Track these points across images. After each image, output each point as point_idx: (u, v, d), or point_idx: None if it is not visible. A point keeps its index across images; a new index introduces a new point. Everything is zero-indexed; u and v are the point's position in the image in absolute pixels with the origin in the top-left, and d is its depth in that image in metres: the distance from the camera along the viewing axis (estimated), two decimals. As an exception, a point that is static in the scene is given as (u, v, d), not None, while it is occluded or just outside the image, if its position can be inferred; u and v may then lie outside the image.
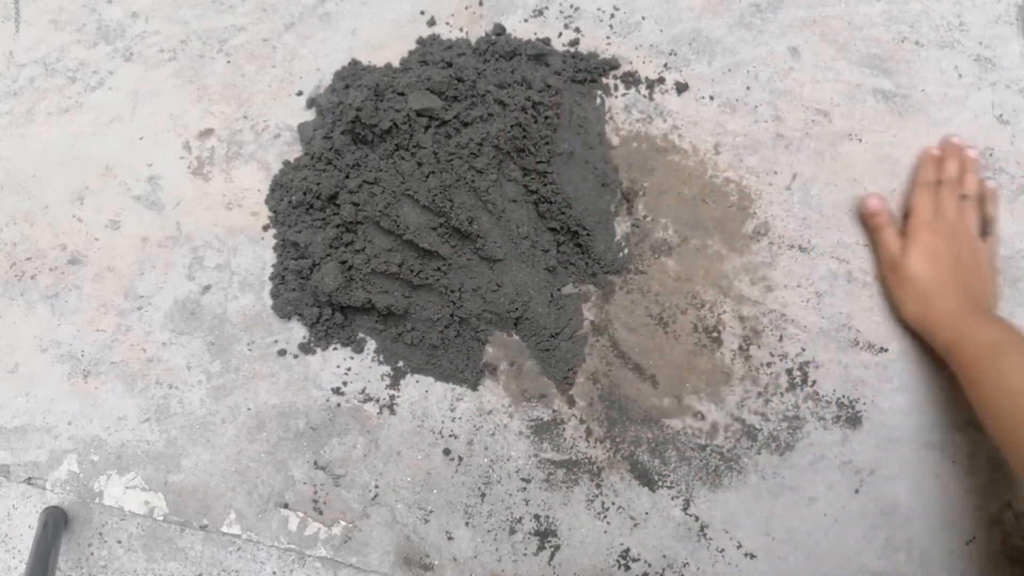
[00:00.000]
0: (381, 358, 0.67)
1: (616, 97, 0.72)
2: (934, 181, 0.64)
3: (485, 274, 0.65)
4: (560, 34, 0.74)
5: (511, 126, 0.62)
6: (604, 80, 0.72)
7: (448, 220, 0.63)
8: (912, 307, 0.61)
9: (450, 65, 0.70)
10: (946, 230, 0.61)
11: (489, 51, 0.71)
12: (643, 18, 0.74)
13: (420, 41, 0.74)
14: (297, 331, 0.68)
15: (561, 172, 0.65)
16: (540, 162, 0.64)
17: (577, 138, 0.68)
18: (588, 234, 0.66)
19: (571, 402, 0.65)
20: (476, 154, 0.63)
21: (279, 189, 0.71)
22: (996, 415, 0.52)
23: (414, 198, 0.63)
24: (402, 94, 0.64)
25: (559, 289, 0.67)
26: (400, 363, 0.67)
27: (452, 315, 0.66)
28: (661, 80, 0.72)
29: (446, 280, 0.65)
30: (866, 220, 0.65)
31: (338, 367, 0.67)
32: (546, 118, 0.64)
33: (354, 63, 0.73)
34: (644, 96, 0.71)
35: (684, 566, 0.61)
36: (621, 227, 0.68)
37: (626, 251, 0.68)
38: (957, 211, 0.62)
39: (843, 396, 0.63)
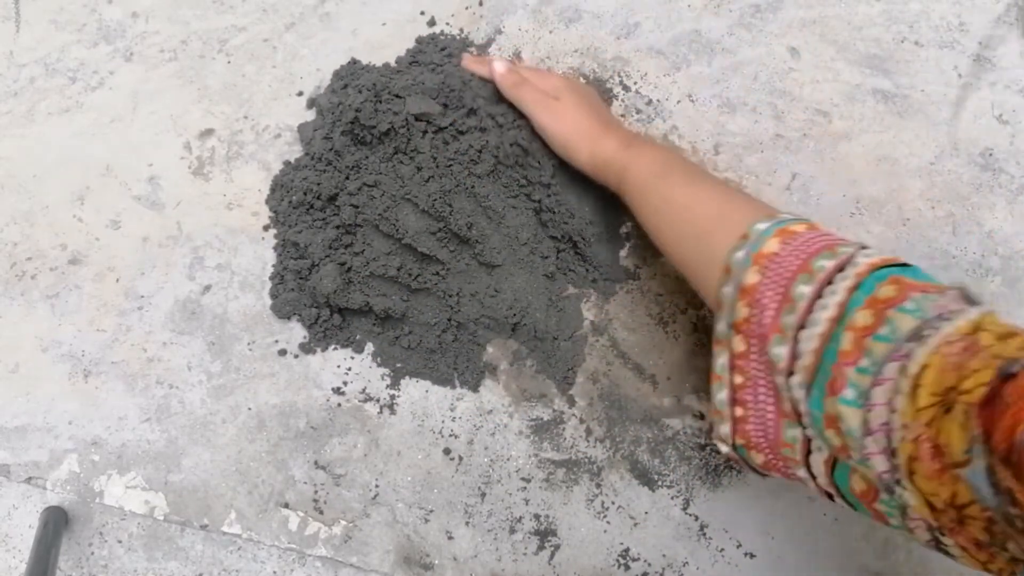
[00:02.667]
0: (378, 361, 0.67)
1: (616, 98, 0.72)
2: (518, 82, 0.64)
3: (484, 279, 0.65)
4: (552, 32, 0.74)
5: (510, 144, 0.62)
6: (608, 84, 0.72)
7: (447, 225, 0.63)
8: (584, 147, 0.59)
9: (440, 66, 0.70)
10: (570, 79, 0.65)
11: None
12: (643, 18, 0.74)
13: (419, 40, 0.74)
14: (298, 331, 0.68)
15: (564, 182, 0.64)
16: (543, 175, 0.63)
17: None
18: (590, 244, 0.66)
19: (571, 402, 0.65)
20: (476, 160, 0.63)
21: (279, 189, 0.71)
22: (665, 233, 0.54)
23: (414, 202, 0.63)
24: (399, 96, 0.64)
25: (558, 294, 0.67)
26: (398, 365, 0.67)
27: (450, 319, 0.66)
28: (661, 81, 0.72)
29: (444, 284, 0.65)
30: (502, 82, 0.63)
31: (338, 367, 0.67)
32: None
33: (353, 62, 0.73)
34: (644, 96, 0.72)
35: (684, 566, 0.62)
36: (622, 229, 0.68)
37: (629, 261, 0.68)
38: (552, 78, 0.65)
39: (843, 396, 0.63)
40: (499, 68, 0.63)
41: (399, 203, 0.64)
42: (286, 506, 0.64)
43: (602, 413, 0.65)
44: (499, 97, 0.64)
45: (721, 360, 0.48)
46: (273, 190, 0.72)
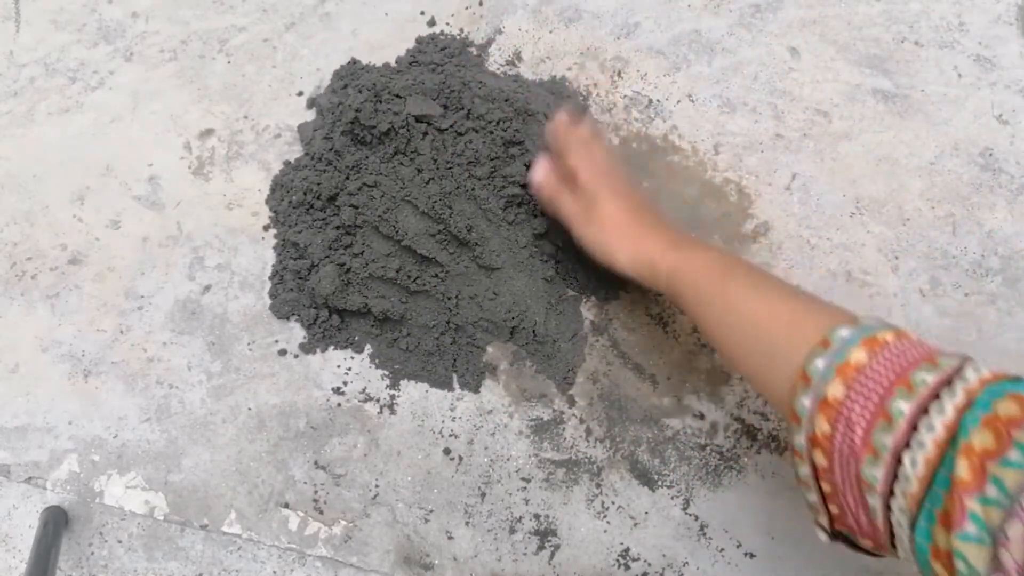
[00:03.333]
0: (376, 363, 0.67)
1: (617, 98, 0.72)
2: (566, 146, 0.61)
3: (483, 282, 0.65)
4: (552, 32, 0.74)
5: (525, 164, 0.62)
6: (609, 87, 0.72)
7: (447, 227, 0.63)
8: (625, 251, 0.56)
9: (441, 66, 0.69)
10: (610, 173, 0.59)
11: (470, 64, 0.71)
12: (643, 18, 0.74)
13: (419, 40, 0.74)
14: (298, 331, 0.68)
15: None
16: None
17: None
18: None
19: (571, 402, 0.65)
20: (475, 162, 0.63)
21: (279, 189, 0.71)
22: (728, 344, 0.50)
23: (413, 204, 0.63)
24: (399, 96, 0.64)
25: (558, 297, 0.67)
26: (397, 367, 0.67)
27: (448, 322, 0.66)
28: (661, 81, 0.72)
29: (443, 287, 0.65)
30: (539, 192, 0.61)
31: (338, 367, 0.67)
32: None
33: (353, 62, 0.73)
34: (644, 96, 0.72)
35: (684, 565, 0.62)
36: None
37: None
38: (602, 157, 0.60)
39: (843, 396, 0.63)
40: (536, 177, 0.60)
41: (399, 205, 0.64)
42: (286, 506, 0.64)
43: (602, 413, 0.65)
44: (495, 96, 0.64)
45: (803, 471, 0.44)
46: (273, 190, 0.72)
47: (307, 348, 0.67)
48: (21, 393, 0.68)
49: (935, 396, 0.37)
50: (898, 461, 0.36)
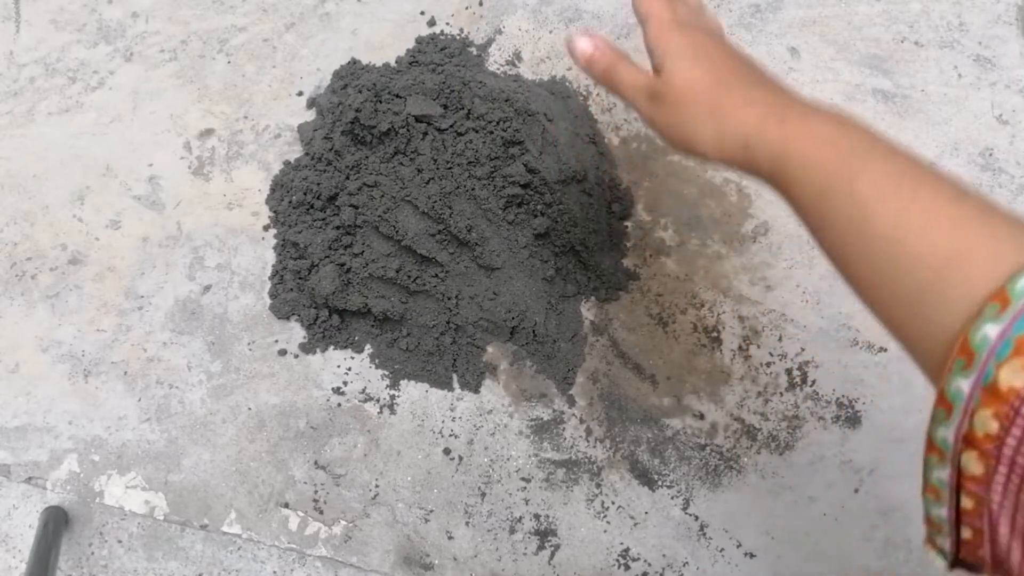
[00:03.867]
0: (376, 363, 0.67)
1: (617, 98, 0.72)
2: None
3: (483, 282, 0.65)
4: (552, 32, 0.74)
5: (525, 164, 0.62)
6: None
7: (447, 227, 0.63)
8: (707, 128, 0.39)
9: (441, 66, 0.69)
10: (694, 24, 0.44)
11: (471, 64, 0.71)
12: (643, 18, 0.74)
13: (419, 40, 0.74)
14: (297, 331, 0.68)
15: (567, 193, 0.64)
16: (549, 194, 0.63)
17: (583, 156, 0.67)
18: (592, 253, 0.66)
19: (571, 402, 0.65)
20: (475, 162, 0.63)
21: (279, 189, 0.71)
22: (858, 263, 0.35)
23: (414, 204, 0.63)
24: (399, 96, 0.64)
25: (558, 297, 0.67)
26: (397, 367, 0.67)
27: (448, 322, 0.66)
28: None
29: (443, 287, 0.65)
30: (591, 68, 0.46)
31: (338, 367, 0.67)
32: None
33: (353, 62, 0.73)
34: (644, 96, 0.72)
35: (684, 565, 0.62)
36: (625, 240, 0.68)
37: (629, 261, 0.68)
38: (694, 9, 0.46)
39: (843, 396, 0.63)
40: (583, 49, 0.45)
41: (399, 204, 0.64)
42: (286, 506, 0.64)
43: (602, 413, 0.65)
44: (495, 96, 0.64)
45: (939, 475, 0.31)
46: (273, 190, 0.72)
47: (307, 348, 0.67)
48: (21, 393, 0.68)
49: None
50: None
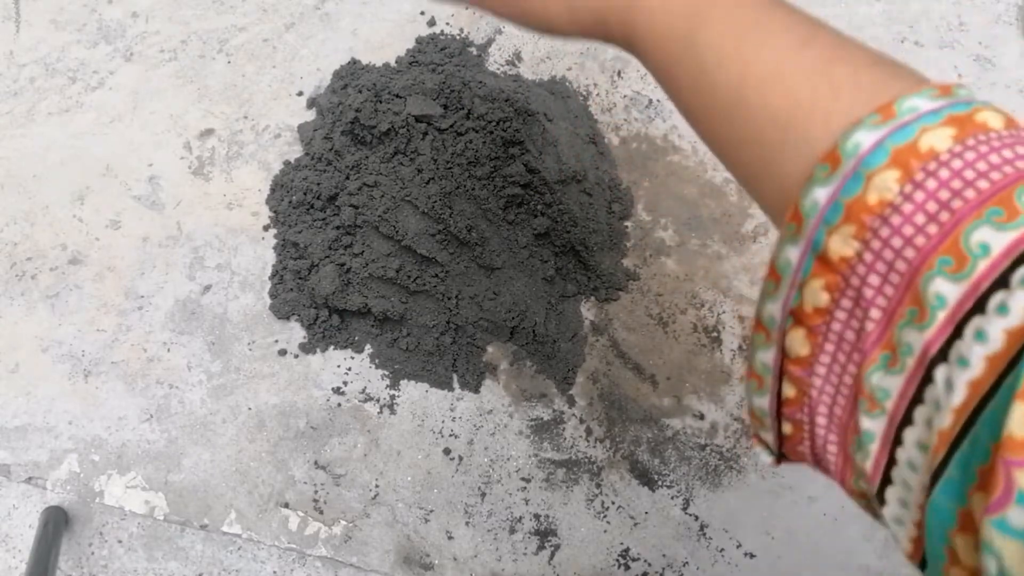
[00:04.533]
0: (376, 363, 0.67)
1: (617, 98, 0.72)
2: None
3: (483, 282, 0.65)
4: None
5: (525, 164, 0.62)
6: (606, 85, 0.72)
7: (447, 227, 0.63)
8: (558, 4, 0.36)
9: (441, 66, 0.69)
10: None
11: (471, 63, 0.71)
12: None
13: (419, 40, 0.74)
14: (297, 331, 0.68)
15: (567, 193, 0.64)
16: (549, 194, 0.63)
17: (583, 156, 0.67)
18: (592, 253, 0.66)
19: (571, 402, 0.65)
20: (475, 162, 0.63)
21: (280, 189, 0.71)
22: (711, 117, 0.32)
23: (414, 204, 0.63)
24: (399, 96, 0.64)
25: (558, 297, 0.67)
26: (397, 367, 0.67)
27: (448, 322, 0.65)
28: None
29: (443, 287, 0.65)
30: None
31: (338, 367, 0.67)
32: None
33: (353, 62, 0.73)
34: (644, 96, 0.72)
35: (684, 565, 0.62)
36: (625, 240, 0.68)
37: (629, 261, 0.68)
38: None
39: (843, 396, 0.63)
40: None
41: (399, 204, 0.64)
42: (286, 506, 0.64)
43: (602, 413, 0.65)
44: (495, 96, 0.64)
45: (762, 357, 0.28)
46: (273, 190, 0.72)
47: (307, 348, 0.67)
48: (21, 393, 0.68)
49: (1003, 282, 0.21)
50: (928, 380, 0.22)
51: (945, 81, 0.25)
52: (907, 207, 0.22)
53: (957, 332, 0.22)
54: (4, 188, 0.74)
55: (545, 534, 0.63)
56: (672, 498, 0.63)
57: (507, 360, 0.67)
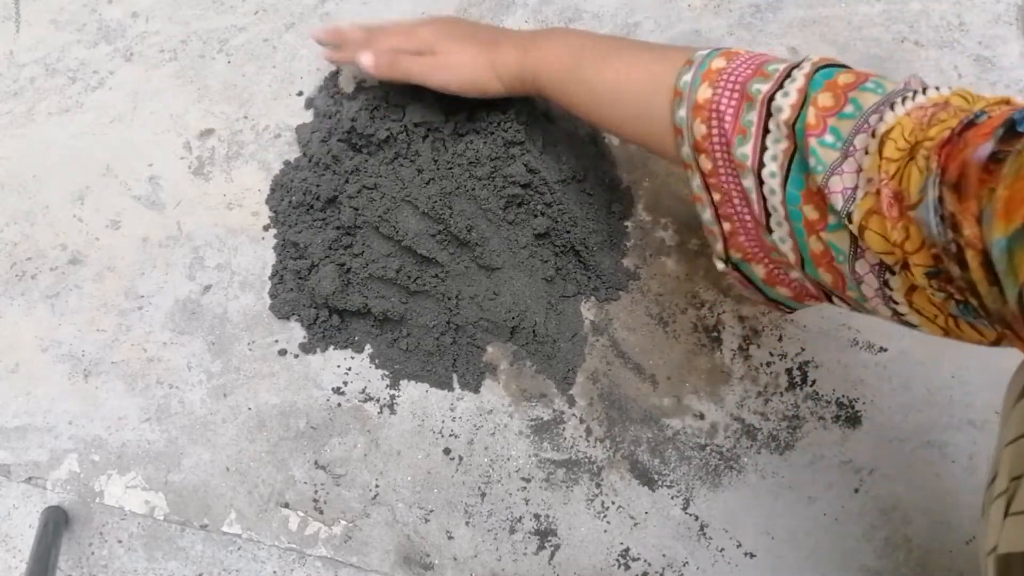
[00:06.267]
0: (376, 363, 0.67)
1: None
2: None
3: (483, 282, 0.65)
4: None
5: (525, 164, 0.62)
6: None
7: (447, 227, 0.63)
8: (490, 78, 0.57)
9: None
10: (431, 21, 0.61)
11: None
12: (643, 18, 0.74)
13: None
14: (298, 331, 0.68)
15: (567, 193, 0.64)
16: (549, 194, 0.63)
17: (583, 156, 0.67)
18: (592, 253, 0.66)
19: (571, 402, 0.65)
20: (475, 162, 0.63)
21: (279, 189, 0.71)
22: (605, 117, 0.54)
23: (414, 204, 0.63)
24: (398, 106, 0.64)
25: (558, 296, 0.67)
26: (397, 367, 0.67)
27: (448, 322, 0.65)
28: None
29: (443, 287, 0.65)
30: (380, 74, 0.60)
31: (339, 367, 0.67)
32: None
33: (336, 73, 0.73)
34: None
35: (684, 565, 0.62)
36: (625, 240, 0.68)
37: (629, 260, 0.68)
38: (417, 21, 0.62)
39: (842, 396, 0.63)
40: (365, 61, 0.59)
41: (399, 205, 0.64)
42: (286, 506, 0.64)
43: (602, 413, 0.65)
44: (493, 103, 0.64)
45: (695, 181, 0.48)
46: (273, 190, 0.72)
47: (307, 348, 0.67)
48: (21, 393, 0.68)
49: (785, 76, 0.43)
50: (765, 131, 0.43)
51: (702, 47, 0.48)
52: (732, 66, 0.45)
53: (770, 101, 0.43)
54: (4, 188, 0.74)
55: (545, 534, 0.63)
56: (672, 498, 0.63)
57: (507, 360, 0.67)
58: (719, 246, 0.50)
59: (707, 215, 0.49)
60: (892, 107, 0.38)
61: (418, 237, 0.64)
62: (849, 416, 0.63)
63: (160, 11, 0.79)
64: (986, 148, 0.33)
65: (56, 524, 0.63)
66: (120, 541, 0.65)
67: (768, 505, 0.62)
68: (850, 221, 0.39)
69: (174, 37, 0.78)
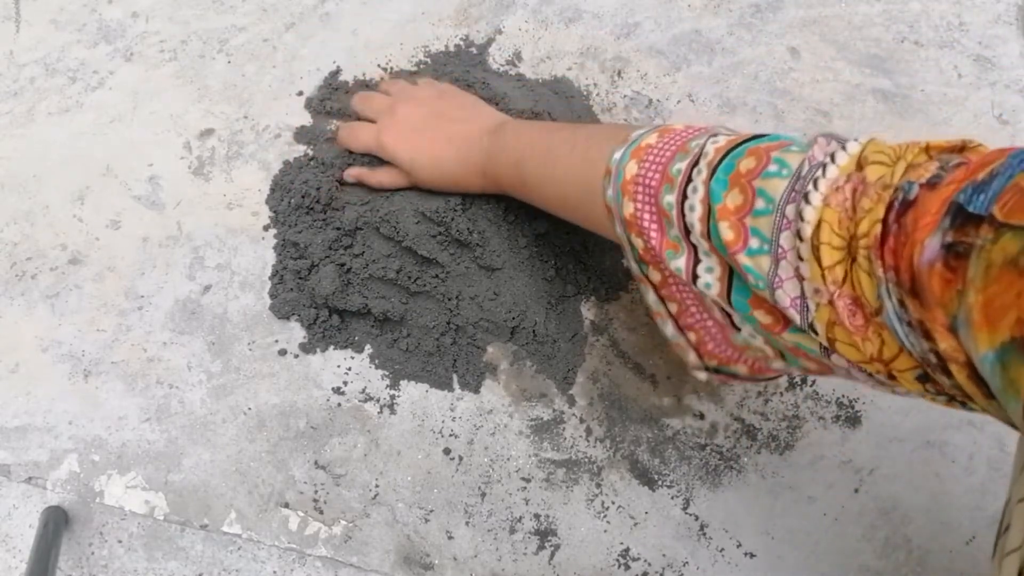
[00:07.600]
0: (376, 363, 0.67)
1: (617, 98, 0.72)
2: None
3: (483, 282, 0.65)
4: (552, 31, 0.74)
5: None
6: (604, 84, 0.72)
7: (448, 228, 0.63)
8: (468, 177, 0.60)
9: (444, 67, 0.69)
10: (395, 108, 0.64)
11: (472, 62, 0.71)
12: (643, 18, 0.74)
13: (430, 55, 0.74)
14: (298, 331, 0.68)
15: None
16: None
17: None
18: (592, 254, 0.66)
19: (571, 402, 0.65)
20: None
21: (279, 189, 0.71)
22: (570, 214, 0.55)
23: (414, 205, 0.63)
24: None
25: (558, 296, 0.67)
26: (397, 367, 0.67)
27: (449, 323, 0.65)
28: (661, 81, 0.72)
29: (444, 287, 0.65)
30: (360, 180, 0.66)
31: (339, 367, 0.67)
32: None
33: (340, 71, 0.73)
34: (644, 96, 0.72)
35: (684, 565, 0.62)
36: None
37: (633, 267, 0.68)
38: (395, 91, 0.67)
39: (843, 396, 0.63)
40: (347, 175, 0.66)
41: (399, 206, 0.64)
42: (286, 506, 0.64)
43: (602, 413, 0.65)
44: (498, 97, 0.64)
45: (650, 297, 0.48)
46: (273, 190, 0.72)
47: (307, 348, 0.67)
48: (21, 393, 0.68)
49: (689, 180, 0.40)
50: (690, 239, 0.41)
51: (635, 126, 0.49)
52: (642, 172, 0.44)
53: (681, 216, 0.41)
54: (4, 188, 0.74)
55: (545, 534, 0.63)
56: (672, 498, 0.63)
57: (507, 360, 0.67)
58: (692, 357, 0.48)
59: (669, 330, 0.48)
60: (807, 198, 0.34)
61: (418, 238, 0.64)
62: (849, 416, 0.63)
63: (160, 11, 0.79)
64: (934, 245, 0.28)
65: (56, 524, 0.63)
66: (120, 541, 0.65)
67: (768, 505, 0.62)
68: (815, 333, 0.35)
69: (174, 37, 0.78)
